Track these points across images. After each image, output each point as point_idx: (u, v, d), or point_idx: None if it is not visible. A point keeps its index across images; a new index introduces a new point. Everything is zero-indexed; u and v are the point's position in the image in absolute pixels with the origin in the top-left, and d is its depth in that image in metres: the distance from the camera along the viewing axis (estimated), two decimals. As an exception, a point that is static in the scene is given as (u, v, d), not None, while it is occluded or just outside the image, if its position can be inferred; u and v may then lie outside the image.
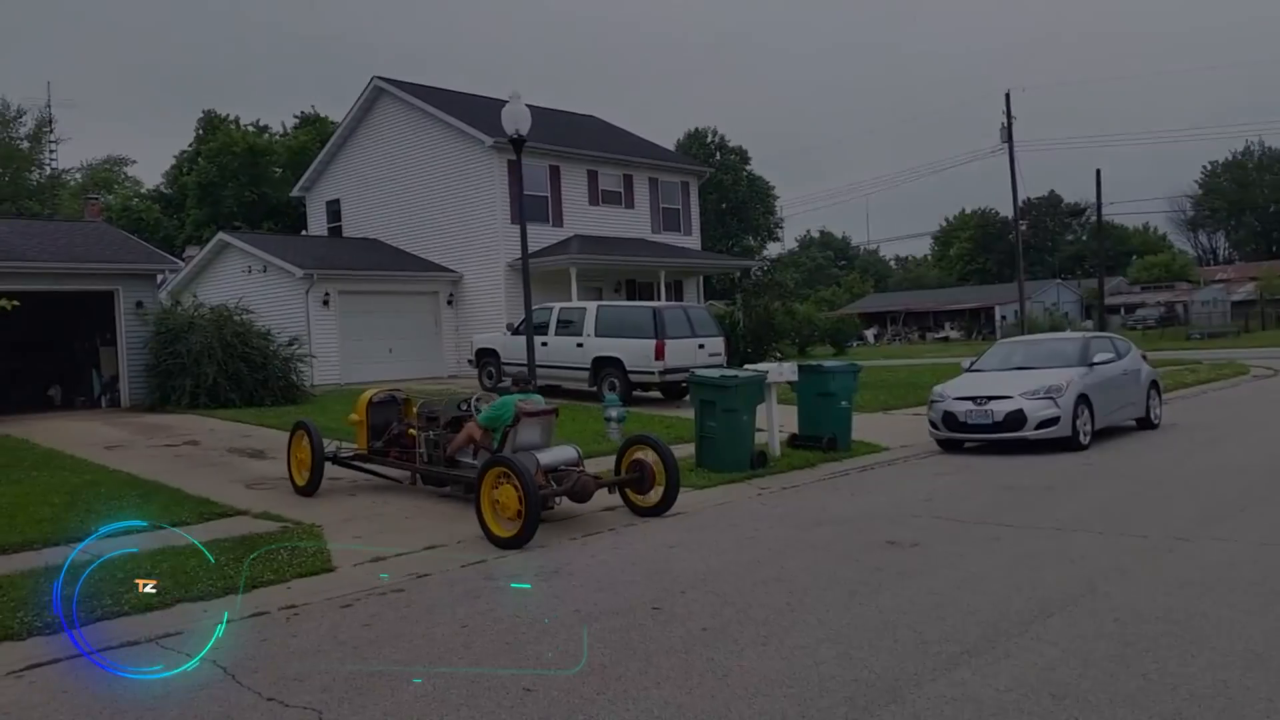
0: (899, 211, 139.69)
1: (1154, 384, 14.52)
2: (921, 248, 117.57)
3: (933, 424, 12.99)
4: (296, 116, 52.26)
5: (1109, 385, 13.20)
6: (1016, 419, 12.14)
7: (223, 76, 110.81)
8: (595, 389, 18.19)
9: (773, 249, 74.98)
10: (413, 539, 8.15)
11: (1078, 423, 12.25)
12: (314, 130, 48.32)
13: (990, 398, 12.42)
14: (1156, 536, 7.22)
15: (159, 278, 20.15)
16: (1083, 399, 12.43)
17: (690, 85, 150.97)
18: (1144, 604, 5.50)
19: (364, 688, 4.69)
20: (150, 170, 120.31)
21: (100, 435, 14.99)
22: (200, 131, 51.04)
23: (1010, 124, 40.76)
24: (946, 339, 64.83)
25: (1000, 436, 12.28)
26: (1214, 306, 62.34)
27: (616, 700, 4.39)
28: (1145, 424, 14.22)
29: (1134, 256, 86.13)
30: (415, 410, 10.57)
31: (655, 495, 9.03)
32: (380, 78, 28.96)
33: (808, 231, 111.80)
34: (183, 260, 27.45)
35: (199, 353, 17.75)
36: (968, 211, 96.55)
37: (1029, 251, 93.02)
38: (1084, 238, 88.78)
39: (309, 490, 10.08)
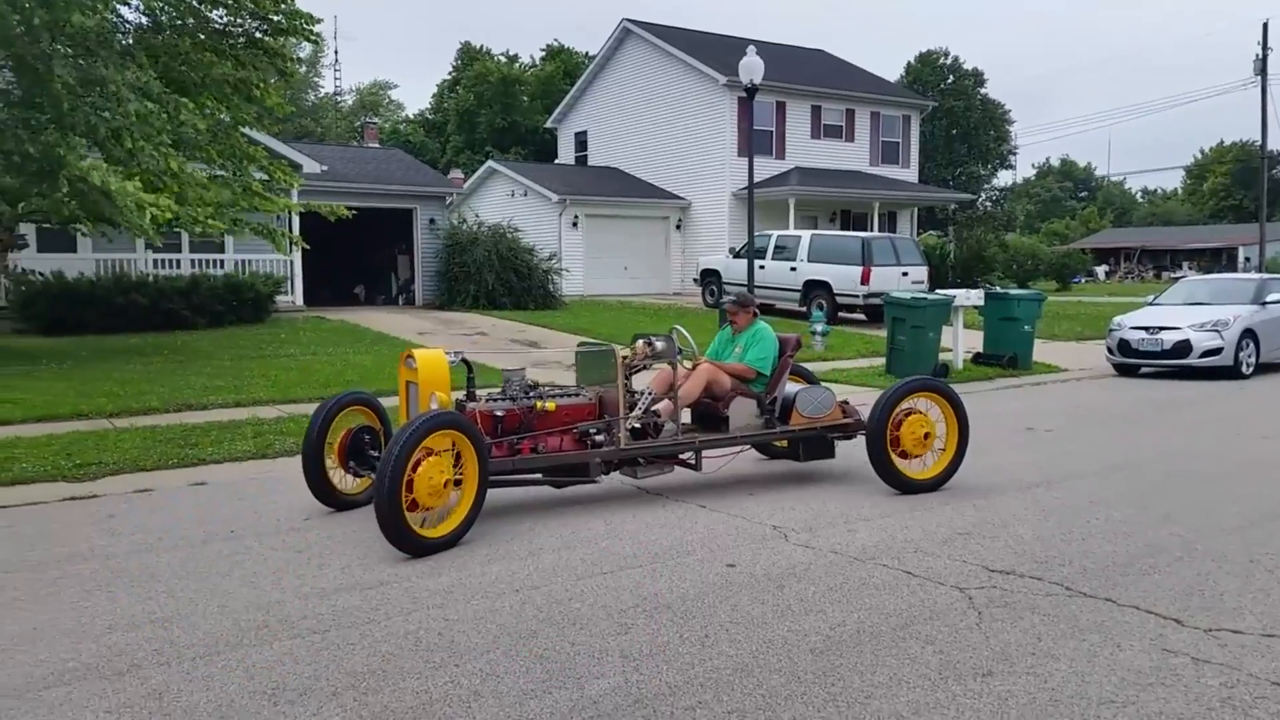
0: (1148, 141, 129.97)
1: (1335, 326, 15.31)
2: (1172, 181, 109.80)
3: (1109, 349, 14.61)
4: (542, 49, 56.36)
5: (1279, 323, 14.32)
6: (1182, 347, 13.63)
7: (476, 5, 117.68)
8: (804, 309, 20.63)
9: (1004, 177, 72.96)
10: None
11: (1241, 354, 13.59)
12: (560, 61, 52.21)
13: (1162, 328, 13.94)
14: (1248, 435, 9.05)
15: (447, 199, 24.19)
16: (1248, 333, 13.72)
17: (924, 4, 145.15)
18: (1196, 468, 7.57)
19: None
20: (409, 95, 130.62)
21: (410, 325, 19.01)
22: (458, 61, 56.14)
23: (1265, 56, 38.68)
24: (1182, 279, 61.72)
25: (1167, 363, 13.83)
26: None
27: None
28: (1324, 362, 15.13)
29: None
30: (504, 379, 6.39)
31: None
32: (629, 20, 31.96)
33: (1046, 159, 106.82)
34: (450, 182, 31.87)
35: (481, 263, 21.69)
36: (1226, 144, 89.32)
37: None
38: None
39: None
